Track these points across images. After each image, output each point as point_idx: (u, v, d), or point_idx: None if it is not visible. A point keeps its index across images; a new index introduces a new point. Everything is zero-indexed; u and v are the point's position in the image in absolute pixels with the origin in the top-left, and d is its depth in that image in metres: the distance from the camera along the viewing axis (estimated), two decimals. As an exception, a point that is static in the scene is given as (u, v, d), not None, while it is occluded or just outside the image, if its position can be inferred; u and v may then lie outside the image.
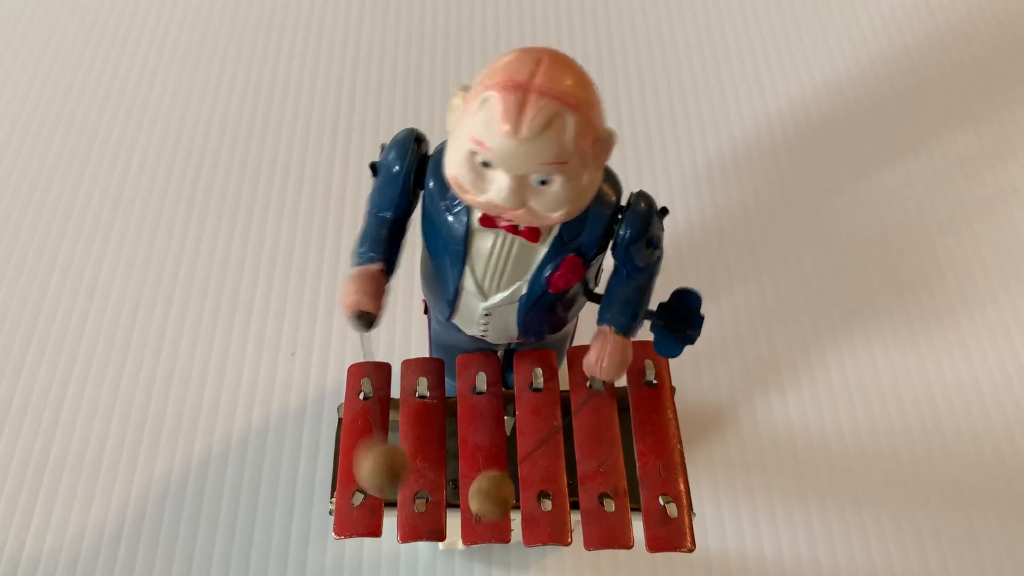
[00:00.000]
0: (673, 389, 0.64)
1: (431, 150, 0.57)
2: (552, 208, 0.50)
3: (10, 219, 1.01)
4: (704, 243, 1.01)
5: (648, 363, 0.63)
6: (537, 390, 0.62)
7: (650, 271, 0.57)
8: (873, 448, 0.87)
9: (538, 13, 1.24)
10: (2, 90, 1.13)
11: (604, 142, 0.49)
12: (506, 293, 0.57)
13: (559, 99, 0.46)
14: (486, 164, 0.48)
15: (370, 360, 0.59)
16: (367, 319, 0.54)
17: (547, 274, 0.55)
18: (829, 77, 1.18)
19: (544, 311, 0.59)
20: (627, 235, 0.54)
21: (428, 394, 0.62)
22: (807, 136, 1.12)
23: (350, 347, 0.91)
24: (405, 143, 0.55)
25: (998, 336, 0.94)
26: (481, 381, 0.62)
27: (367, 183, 1.04)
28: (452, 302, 0.59)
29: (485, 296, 0.58)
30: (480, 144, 0.47)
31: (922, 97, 1.16)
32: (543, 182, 0.48)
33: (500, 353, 0.67)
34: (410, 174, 0.55)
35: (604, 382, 0.60)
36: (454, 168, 0.50)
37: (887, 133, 1.12)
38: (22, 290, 0.95)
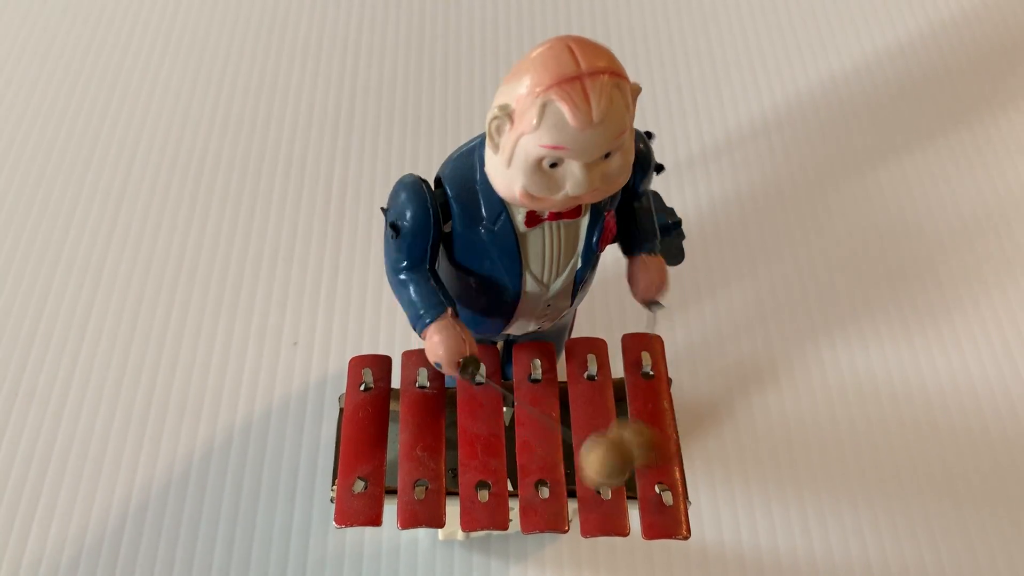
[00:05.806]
0: (669, 380, 0.65)
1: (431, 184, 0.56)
2: (620, 174, 0.51)
3: (17, 212, 1.02)
4: (700, 238, 1.02)
5: (645, 355, 0.64)
6: (535, 381, 0.63)
7: (647, 192, 0.62)
8: (867, 440, 0.88)
9: (536, 11, 1.24)
10: (8, 86, 1.14)
11: (635, 95, 0.50)
12: (564, 274, 0.58)
13: (608, 73, 0.47)
14: (554, 164, 0.49)
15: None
16: (473, 362, 0.55)
17: (595, 239, 0.57)
18: (824, 73, 1.19)
19: (588, 273, 0.61)
20: (640, 176, 0.58)
21: (428, 384, 0.63)
22: (801, 132, 1.12)
23: (351, 337, 0.92)
24: (419, 193, 0.54)
25: (990, 330, 0.95)
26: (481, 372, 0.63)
27: (366, 177, 1.05)
28: (512, 312, 0.60)
29: (547, 288, 0.59)
30: (557, 148, 0.47)
31: (915, 93, 1.17)
32: (606, 155, 0.50)
33: (500, 345, 0.67)
34: (438, 218, 0.55)
35: (658, 304, 0.61)
36: (522, 182, 0.49)
37: (881, 129, 1.13)
38: (28, 281, 0.96)
